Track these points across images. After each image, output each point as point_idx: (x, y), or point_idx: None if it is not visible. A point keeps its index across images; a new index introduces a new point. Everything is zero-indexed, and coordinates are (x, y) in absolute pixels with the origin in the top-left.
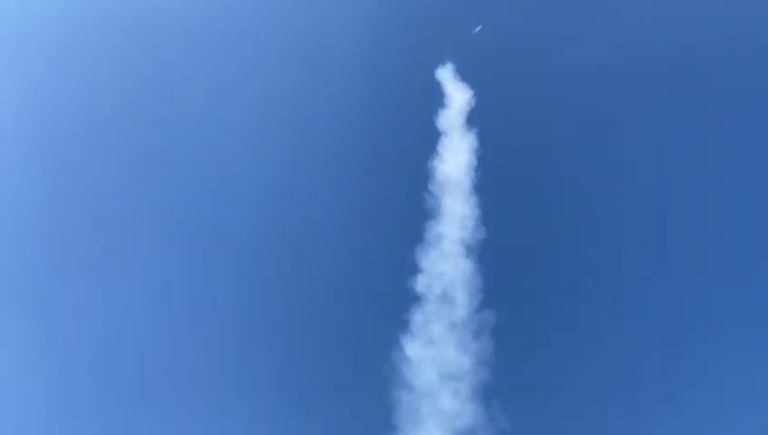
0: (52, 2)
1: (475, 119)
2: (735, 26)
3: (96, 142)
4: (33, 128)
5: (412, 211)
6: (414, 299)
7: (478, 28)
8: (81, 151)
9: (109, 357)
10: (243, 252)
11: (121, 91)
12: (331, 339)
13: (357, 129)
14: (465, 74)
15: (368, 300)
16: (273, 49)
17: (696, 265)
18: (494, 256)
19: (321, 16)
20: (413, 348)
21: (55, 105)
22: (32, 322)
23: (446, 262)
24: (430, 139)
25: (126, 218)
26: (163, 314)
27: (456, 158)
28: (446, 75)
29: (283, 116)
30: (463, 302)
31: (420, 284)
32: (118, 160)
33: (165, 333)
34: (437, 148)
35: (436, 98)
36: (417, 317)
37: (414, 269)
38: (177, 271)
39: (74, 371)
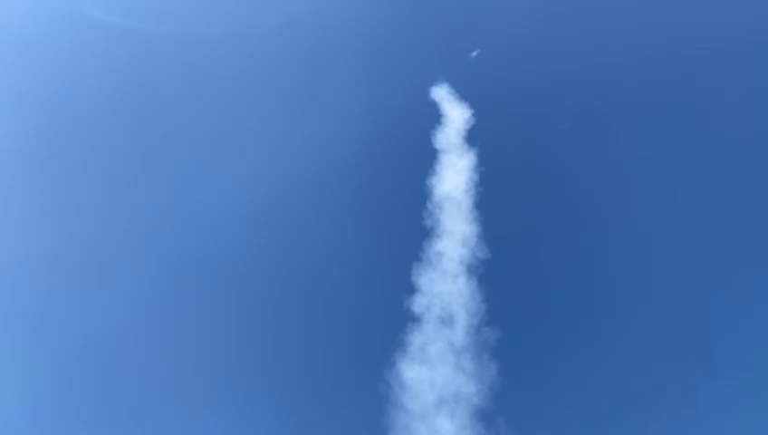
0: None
1: (474, 137)
2: (737, 28)
3: (96, 144)
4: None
5: (411, 230)
6: (412, 319)
7: (475, 52)
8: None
9: (104, 359)
10: (238, 263)
11: (120, 94)
12: (326, 360)
13: (356, 149)
14: (463, 93)
15: (365, 320)
16: (272, 68)
17: (705, 279)
18: (495, 274)
19: (319, 36)
20: (411, 369)
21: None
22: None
23: (446, 281)
24: (430, 158)
25: (120, 213)
26: (157, 319)
27: (455, 176)
28: (443, 95)
29: (281, 135)
30: (463, 322)
31: (419, 304)
32: (115, 159)
33: (158, 338)
34: (437, 166)
35: (435, 118)
36: (416, 338)
37: (413, 289)
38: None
39: (66, 374)
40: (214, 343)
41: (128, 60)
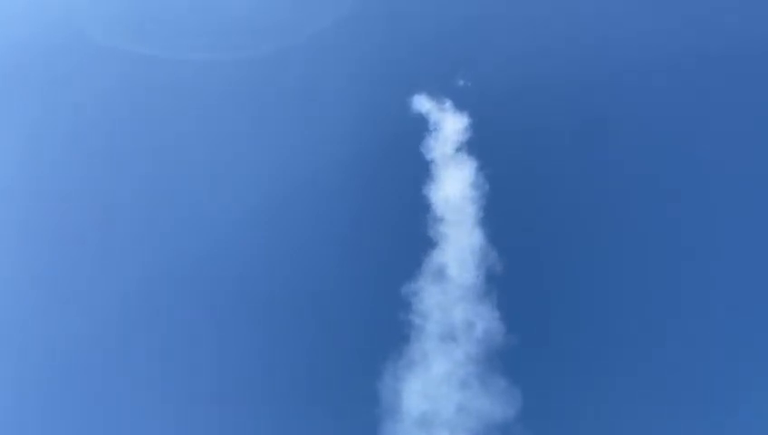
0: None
1: (473, 146)
2: (737, 31)
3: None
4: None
5: (412, 241)
6: (414, 331)
7: (462, 81)
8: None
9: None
10: (233, 273)
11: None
12: (324, 379)
13: (352, 163)
14: (461, 104)
15: (366, 331)
16: (269, 88)
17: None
18: (500, 284)
19: (317, 62)
20: (411, 384)
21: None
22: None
23: (448, 291)
24: (429, 169)
25: (110, 206)
26: (146, 322)
27: (456, 186)
28: (439, 106)
29: (276, 152)
30: (466, 333)
31: (420, 315)
32: (113, 170)
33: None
34: (437, 177)
35: (436, 129)
36: (418, 351)
37: (413, 300)
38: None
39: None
40: (204, 351)
41: (129, 81)
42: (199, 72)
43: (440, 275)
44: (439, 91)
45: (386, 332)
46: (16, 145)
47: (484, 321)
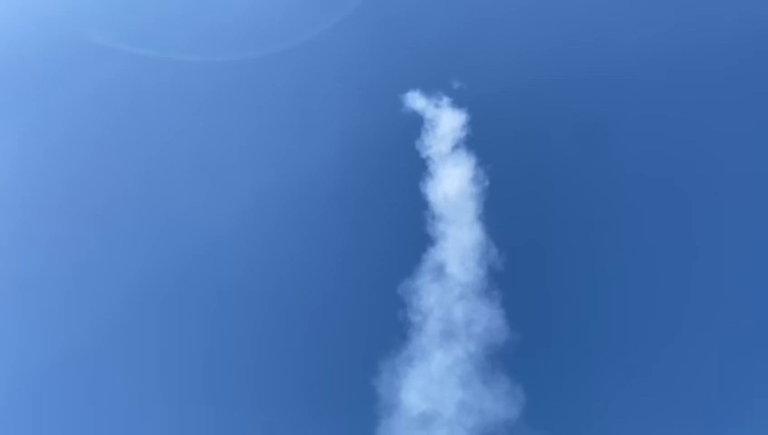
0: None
1: (469, 142)
2: (738, 31)
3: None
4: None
5: (410, 240)
6: (413, 330)
7: (458, 84)
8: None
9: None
10: (231, 273)
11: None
12: (324, 377)
13: (350, 163)
14: (459, 102)
15: (364, 334)
16: (262, 82)
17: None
18: (500, 283)
19: (315, 63)
20: (411, 383)
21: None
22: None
23: (447, 291)
24: (426, 168)
25: (106, 206)
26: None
27: (454, 184)
28: (436, 104)
29: (271, 153)
30: (471, 331)
31: (422, 314)
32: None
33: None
34: (434, 176)
35: (432, 127)
36: (418, 350)
37: (413, 298)
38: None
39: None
40: (199, 349)
41: (127, 82)
42: (198, 72)
43: (440, 272)
44: (436, 89)
45: (386, 330)
46: (13, 144)
47: (485, 318)
